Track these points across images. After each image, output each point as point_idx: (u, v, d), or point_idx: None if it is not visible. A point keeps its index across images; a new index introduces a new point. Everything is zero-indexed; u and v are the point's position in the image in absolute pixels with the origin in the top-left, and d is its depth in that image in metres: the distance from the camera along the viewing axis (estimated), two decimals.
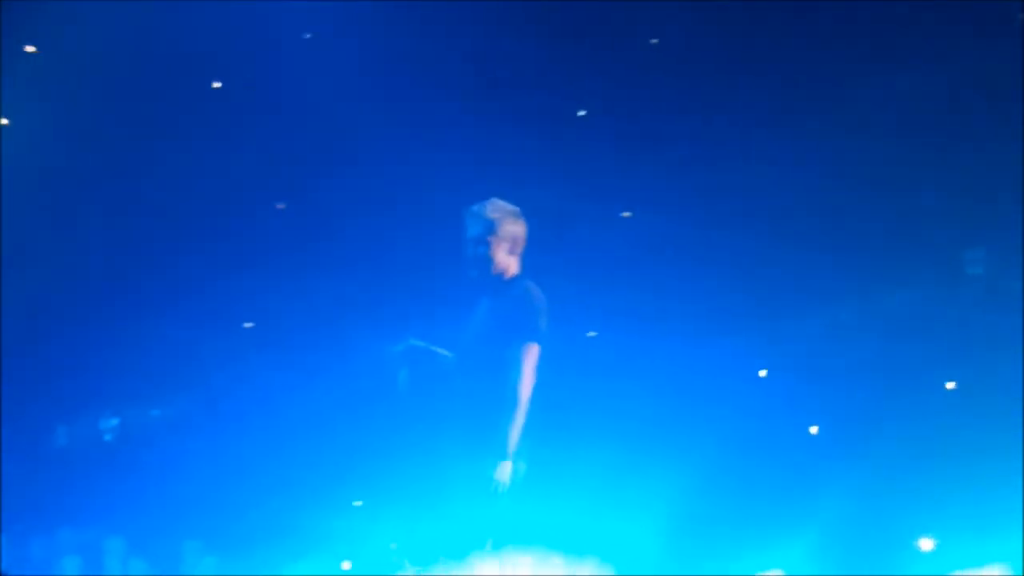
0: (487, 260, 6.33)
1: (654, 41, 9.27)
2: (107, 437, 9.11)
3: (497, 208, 6.39)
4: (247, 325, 9.32)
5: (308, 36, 9.26)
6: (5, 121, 9.21)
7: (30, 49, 9.14)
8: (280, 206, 9.38)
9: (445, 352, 6.51)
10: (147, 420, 9.13)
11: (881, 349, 8.65)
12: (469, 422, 6.22)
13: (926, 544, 8.01)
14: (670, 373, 8.74)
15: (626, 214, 9.21)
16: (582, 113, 9.20)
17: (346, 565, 6.86)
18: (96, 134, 8.96)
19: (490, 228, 6.36)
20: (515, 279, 6.37)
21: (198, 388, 9.15)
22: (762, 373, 8.80)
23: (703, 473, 8.34)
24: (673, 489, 8.24)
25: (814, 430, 8.78)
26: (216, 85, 9.38)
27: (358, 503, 8.17)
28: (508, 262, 6.37)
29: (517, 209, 6.39)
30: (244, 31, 9.19)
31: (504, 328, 6.23)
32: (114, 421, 9.12)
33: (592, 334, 9.11)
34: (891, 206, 8.63)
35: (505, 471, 6.04)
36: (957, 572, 7.31)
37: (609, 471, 8.25)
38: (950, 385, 8.59)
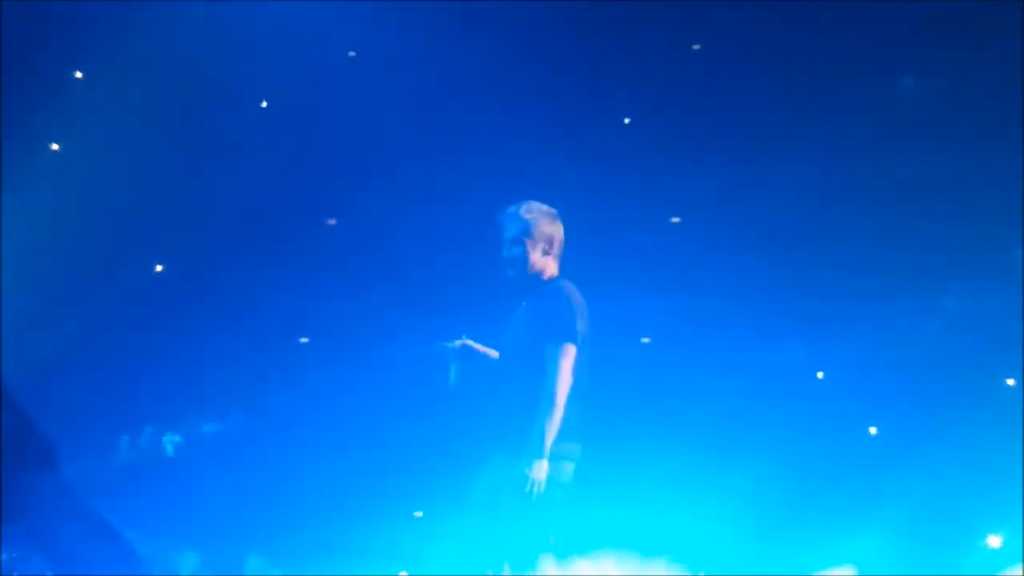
0: (523, 261, 6.32)
1: (696, 47, 9.23)
2: (169, 451, 9.13)
3: (532, 209, 6.39)
4: (303, 340, 9.31)
5: (352, 55, 9.26)
6: (56, 146, 9.22)
7: (78, 75, 9.16)
8: (331, 222, 9.34)
9: (493, 352, 6.50)
10: (207, 435, 9.13)
11: (938, 347, 8.57)
12: (507, 422, 6.16)
13: (994, 541, 7.97)
14: (727, 377, 8.67)
15: (675, 219, 9.16)
16: (627, 121, 9.17)
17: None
18: (147, 152, 8.99)
19: (525, 229, 6.35)
20: (552, 280, 6.35)
21: (256, 403, 9.15)
22: (819, 375, 8.72)
23: (764, 473, 8.27)
24: (737, 490, 8.20)
25: (873, 431, 8.68)
26: (263, 104, 9.33)
27: (419, 514, 8.10)
28: (544, 263, 6.36)
29: (554, 211, 6.39)
30: (287, 48, 9.21)
31: (539, 328, 6.20)
32: (176, 437, 9.15)
33: (646, 340, 9.07)
34: (947, 203, 8.57)
35: (541, 470, 5.98)
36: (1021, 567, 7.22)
37: (672, 474, 8.22)
38: (1011, 382, 8.50)
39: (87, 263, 8.75)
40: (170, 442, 9.06)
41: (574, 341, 6.15)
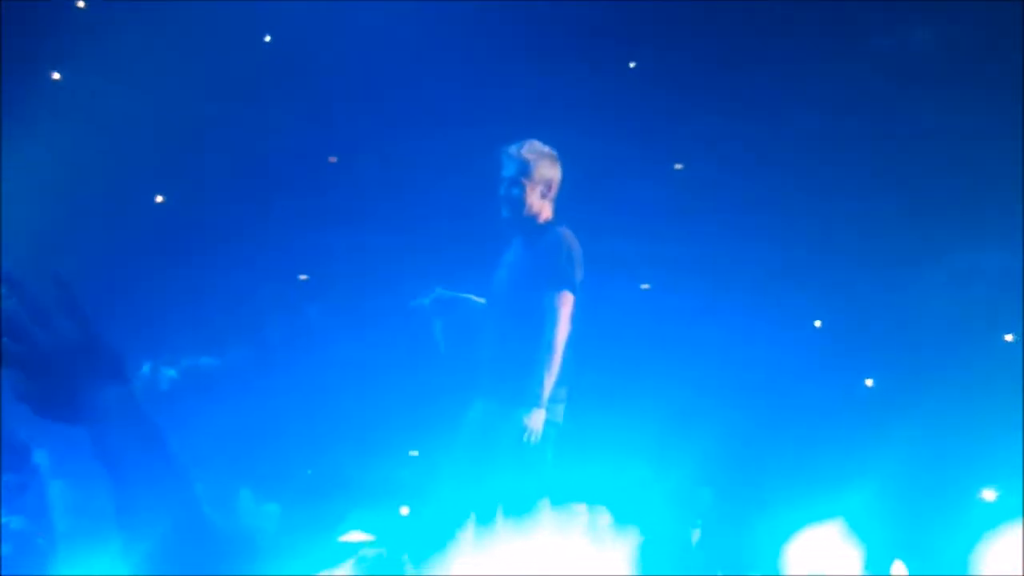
0: (520, 201, 6.22)
1: None
2: (163, 387, 9.12)
3: (534, 149, 6.28)
4: (302, 277, 9.32)
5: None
6: (57, 75, 9.17)
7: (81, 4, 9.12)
8: (332, 159, 9.37)
9: (477, 299, 6.41)
10: (204, 369, 9.15)
11: (938, 300, 8.59)
12: (502, 367, 6.09)
13: (989, 495, 7.97)
14: (724, 324, 8.67)
15: (678, 166, 9.14)
16: (632, 65, 9.12)
17: (404, 511, 6.87)
18: (150, 83, 8.97)
19: (525, 169, 6.24)
20: (549, 224, 6.25)
21: (254, 339, 9.21)
22: (817, 323, 8.74)
23: (757, 426, 8.31)
24: (727, 442, 8.16)
25: (869, 383, 8.68)
26: (267, 39, 9.26)
27: (414, 453, 8.12)
28: (541, 205, 6.26)
29: (554, 152, 6.27)
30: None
31: (537, 274, 6.13)
32: (171, 371, 9.16)
33: (646, 287, 9.08)
34: (956, 165, 8.56)
35: (539, 419, 5.94)
36: (1018, 522, 7.22)
37: (660, 425, 8.16)
38: (1009, 337, 8.52)
39: (86, 193, 8.72)
40: (166, 376, 9.10)
41: (573, 290, 6.10)
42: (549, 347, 6.01)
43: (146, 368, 9.13)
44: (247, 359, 9.14)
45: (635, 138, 8.87)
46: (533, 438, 5.88)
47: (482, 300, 6.43)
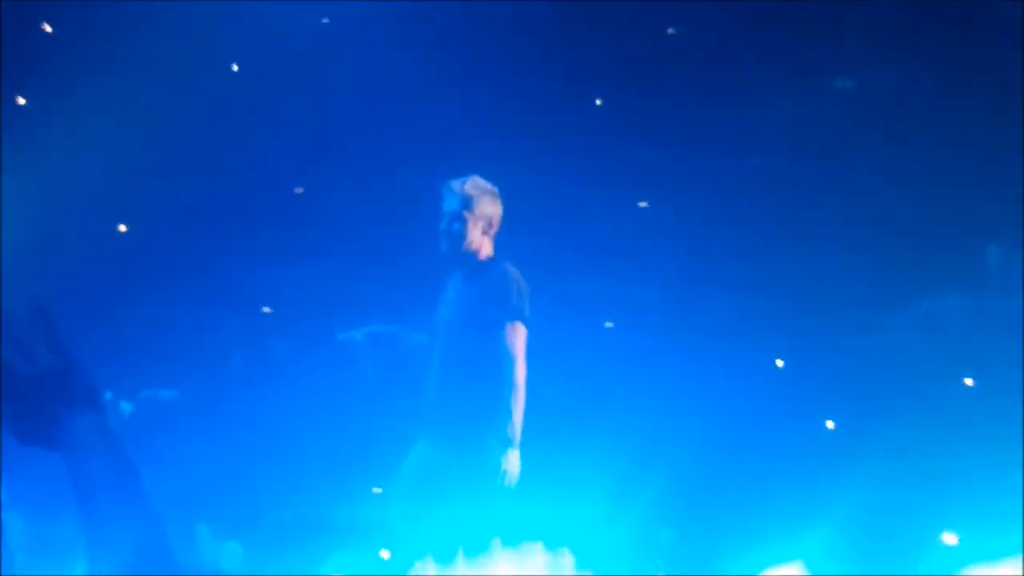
0: (461, 236, 6.24)
1: (671, 31, 9.20)
2: (123, 418, 8.97)
3: (476, 185, 6.30)
4: (265, 310, 9.27)
5: (325, 21, 9.19)
6: (22, 100, 9.16)
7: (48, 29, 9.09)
8: (298, 190, 9.30)
9: (415, 334, 6.57)
10: (164, 402, 9.08)
11: (898, 344, 8.60)
12: (452, 410, 6.06)
13: (949, 539, 7.97)
14: (685, 364, 8.65)
15: (643, 204, 9.12)
16: (599, 102, 9.13)
17: (384, 554, 6.82)
18: (115, 113, 8.89)
19: (467, 204, 6.26)
20: (493, 261, 6.27)
21: (214, 373, 9.13)
22: (779, 363, 8.78)
23: (718, 467, 8.31)
24: (688, 483, 8.19)
25: (830, 425, 8.66)
26: (234, 68, 9.21)
27: (377, 490, 8.06)
28: (482, 241, 6.28)
29: (496, 190, 6.29)
30: (261, 18, 9.09)
31: (487, 310, 6.14)
32: (129, 404, 9.08)
33: (609, 324, 9.05)
34: (917, 203, 8.63)
35: (514, 460, 5.96)
36: (978, 566, 7.31)
37: (621, 465, 8.16)
38: (968, 381, 8.52)
39: (49, 221, 8.67)
40: (125, 408, 9.03)
41: (526, 324, 6.13)
42: (512, 384, 6.01)
43: (107, 398, 9.00)
44: (208, 392, 9.06)
45: (594, 174, 8.90)
46: (511, 480, 5.87)
47: (422, 335, 6.51)
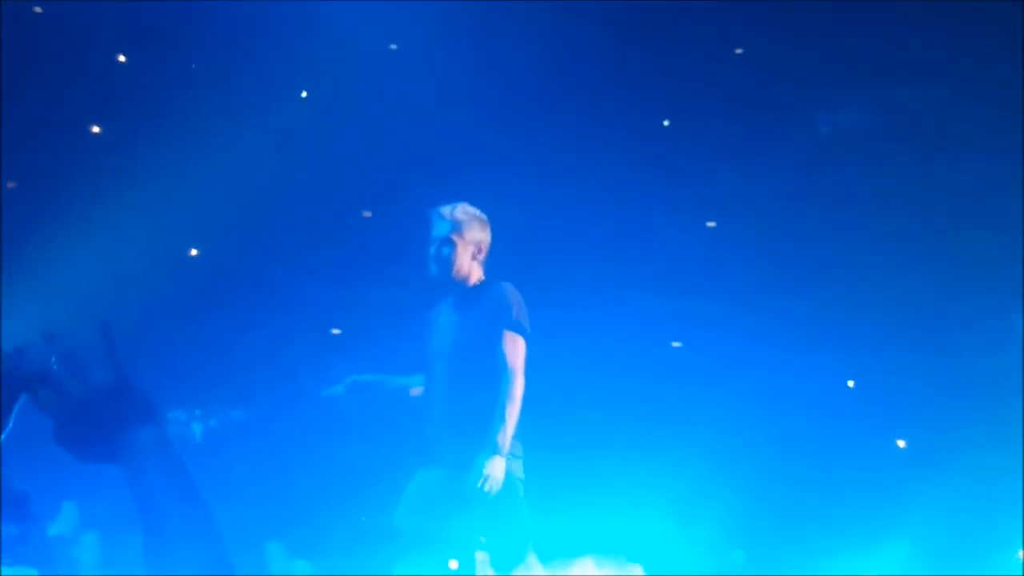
0: (450, 261, 6.19)
1: (739, 51, 9.14)
2: (198, 439, 9.10)
3: (465, 211, 6.27)
4: (335, 331, 9.30)
5: (393, 47, 9.20)
6: (96, 129, 9.25)
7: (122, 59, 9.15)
8: (367, 214, 9.34)
9: (398, 377, 6.34)
10: (234, 422, 9.16)
11: (969, 363, 8.49)
12: (457, 434, 6.03)
13: None
14: (754, 384, 8.59)
15: (711, 224, 9.09)
16: (666, 123, 9.12)
17: (453, 564, 6.82)
18: (182, 139, 8.92)
19: (457, 229, 6.23)
20: (485, 284, 6.22)
21: (284, 392, 9.09)
22: (850, 384, 8.69)
23: (788, 486, 8.25)
24: (759, 503, 8.15)
25: (902, 444, 8.54)
26: (303, 95, 9.22)
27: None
28: (471, 267, 6.25)
29: (484, 216, 6.28)
30: (328, 39, 9.11)
31: (487, 328, 6.07)
32: (199, 427, 9.14)
33: (677, 344, 9.03)
34: (987, 223, 8.54)
35: (497, 467, 5.79)
36: None
37: (691, 485, 8.11)
38: None
39: (118, 248, 8.72)
40: (199, 427, 9.07)
41: (525, 337, 6.05)
42: (508, 396, 5.90)
43: (178, 418, 9.08)
44: (277, 413, 9.09)
45: (661, 194, 8.88)
46: (493, 486, 5.74)
47: (404, 378, 6.36)
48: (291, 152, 9.06)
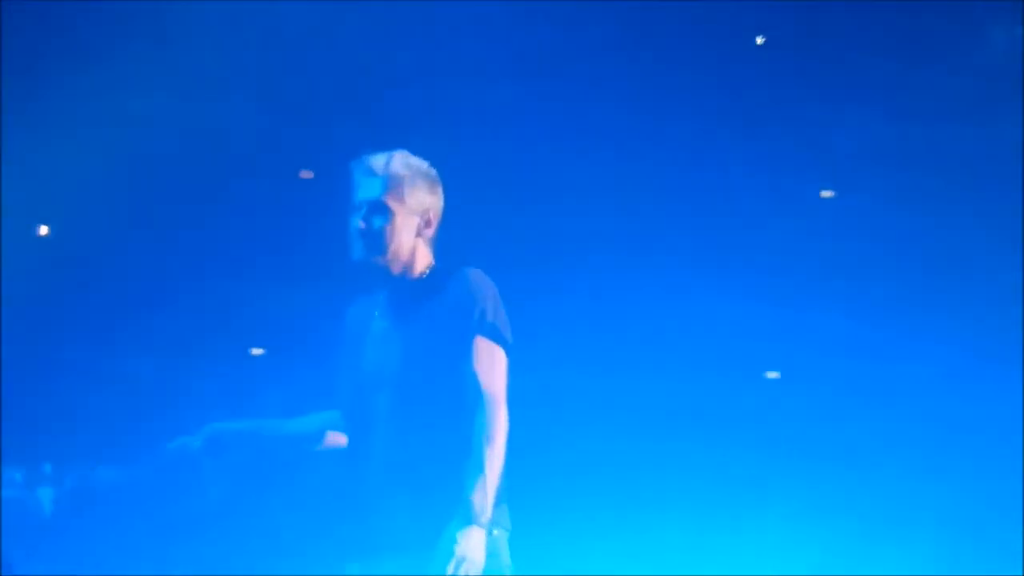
0: (382, 238, 4.64)
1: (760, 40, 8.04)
2: (45, 509, 7.53)
3: (409, 164, 4.71)
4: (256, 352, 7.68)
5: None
6: None
7: None
8: (306, 174, 7.47)
9: (302, 422, 4.91)
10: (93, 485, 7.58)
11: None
12: (424, 483, 4.59)
13: None
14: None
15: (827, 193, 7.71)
16: (760, 40, 7.77)
17: None
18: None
19: (394, 189, 4.66)
20: (442, 271, 4.74)
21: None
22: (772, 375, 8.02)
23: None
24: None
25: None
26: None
27: None
28: (415, 247, 4.69)
29: (435, 173, 4.76)
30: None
31: (451, 334, 4.60)
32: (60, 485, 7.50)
33: (774, 375, 7.78)
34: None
35: (474, 544, 4.41)
36: None
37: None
38: None
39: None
40: (47, 493, 7.51)
41: (506, 348, 4.56)
42: (486, 438, 4.46)
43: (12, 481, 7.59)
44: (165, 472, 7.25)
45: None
46: (468, 570, 4.37)
47: (308, 421, 4.93)
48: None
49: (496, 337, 4.55)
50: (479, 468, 4.46)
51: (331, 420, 4.87)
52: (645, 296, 7.76)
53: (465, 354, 4.52)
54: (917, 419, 7.97)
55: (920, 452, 8.32)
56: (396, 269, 4.67)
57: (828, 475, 8.23)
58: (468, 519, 4.39)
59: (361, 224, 4.60)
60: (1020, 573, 7.15)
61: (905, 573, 7.87)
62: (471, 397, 4.52)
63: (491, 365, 4.53)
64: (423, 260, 4.66)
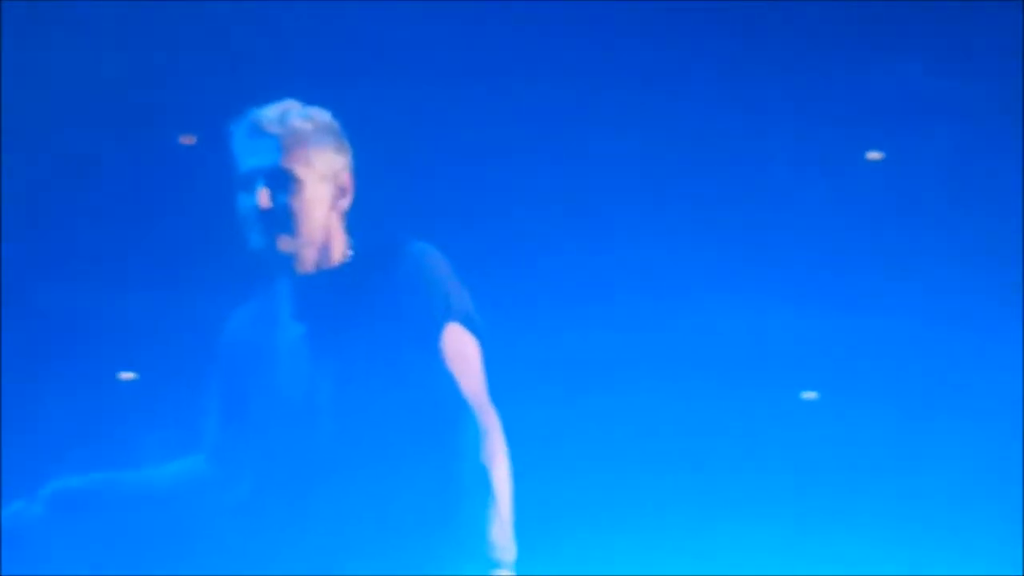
0: (290, 217, 3.76)
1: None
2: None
3: (310, 117, 3.82)
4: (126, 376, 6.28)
5: None
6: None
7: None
8: (187, 140, 6.16)
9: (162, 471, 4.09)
10: None
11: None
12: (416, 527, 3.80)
13: None
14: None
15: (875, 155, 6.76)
16: None
17: None
18: None
19: (298, 151, 3.74)
20: (371, 253, 3.88)
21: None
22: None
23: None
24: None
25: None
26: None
27: None
28: (331, 224, 3.84)
29: (335, 121, 3.87)
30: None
31: (406, 328, 3.80)
32: None
33: (811, 395, 6.84)
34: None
35: None
36: None
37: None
38: None
39: None
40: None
41: (479, 335, 3.79)
42: (484, 452, 3.70)
43: None
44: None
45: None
46: None
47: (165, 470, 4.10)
48: None
49: (470, 325, 3.70)
50: (486, 494, 3.71)
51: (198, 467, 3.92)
52: (653, 297, 6.83)
53: (431, 352, 3.64)
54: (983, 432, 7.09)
55: (920, 452, 7.42)
56: (310, 255, 3.71)
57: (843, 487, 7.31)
58: (492, 561, 3.68)
59: (262, 199, 3.59)
60: (1020, 573, 7.01)
61: (905, 573, 7.13)
62: (451, 406, 3.67)
63: (467, 360, 3.70)
64: (339, 241, 3.74)
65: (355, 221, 3.90)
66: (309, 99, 3.94)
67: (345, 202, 3.77)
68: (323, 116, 3.82)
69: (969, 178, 6.90)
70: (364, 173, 3.94)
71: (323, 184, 3.73)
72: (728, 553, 6.87)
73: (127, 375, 6.05)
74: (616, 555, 5.18)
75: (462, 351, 3.77)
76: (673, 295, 6.65)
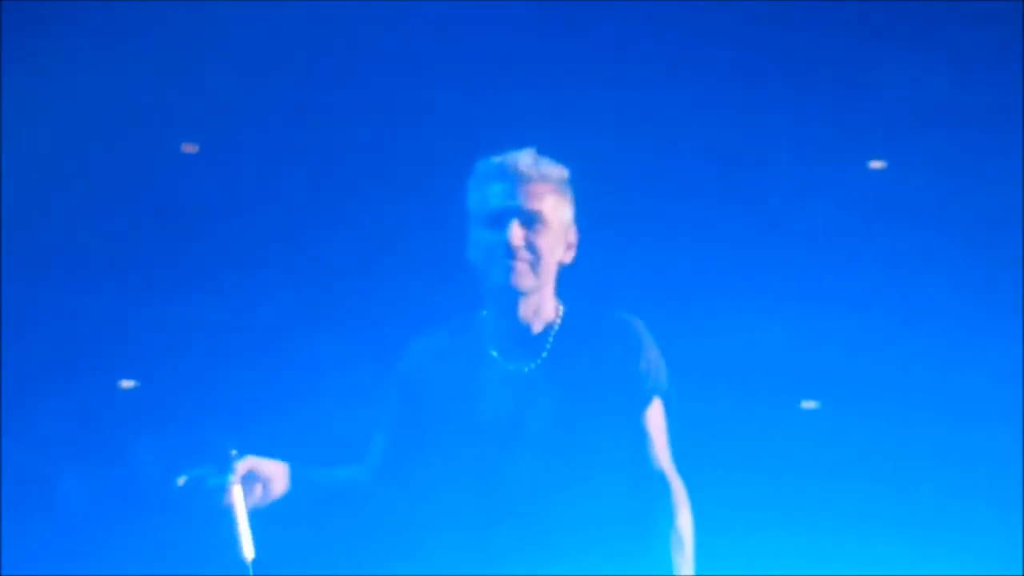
0: (535, 255, 3.87)
1: None
2: None
3: (556, 165, 3.95)
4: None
5: None
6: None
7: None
8: (189, 148, 6.06)
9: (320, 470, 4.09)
10: None
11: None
12: None
13: None
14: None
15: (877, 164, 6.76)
16: None
17: None
18: None
19: (548, 198, 3.90)
20: (582, 311, 4.01)
21: None
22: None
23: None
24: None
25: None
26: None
27: None
28: (550, 268, 3.97)
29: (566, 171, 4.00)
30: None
31: (617, 394, 3.97)
32: None
33: (810, 404, 6.78)
34: None
35: None
36: None
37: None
38: None
39: None
40: None
41: (670, 410, 4.03)
42: (673, 529, 3.91)
43: None
44: None
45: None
46: None
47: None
48: None
49: (666, 398, 3.94)
50: (681, 561, 4.00)
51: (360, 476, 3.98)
52: (654, 306, 6.55)
53: (635, 413, 3.86)
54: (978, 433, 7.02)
55: (920, 461, 7.37)
56: (534, 299, 3.87)
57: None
58: None
59: (514, 237, 3.75)
60: (1020, 573, 6.98)
61: (905, 573, 7.04)
62: (644, 476, 3.88)
63: (663, 433, 3.94)
64: (552, 293, 3.92)
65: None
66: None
67: (569, 256, 3.91)
68: (563, 171, 3.96)
69: (970, 189, 6.85)
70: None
71: (561, 233, 3.87)
72: (729, 563, 6.46)
73: (127, 383, 5.97)
74: (614, 563, 4.77)
75: (660, 424, 3.92)
76: (675, 304, 6.55)
